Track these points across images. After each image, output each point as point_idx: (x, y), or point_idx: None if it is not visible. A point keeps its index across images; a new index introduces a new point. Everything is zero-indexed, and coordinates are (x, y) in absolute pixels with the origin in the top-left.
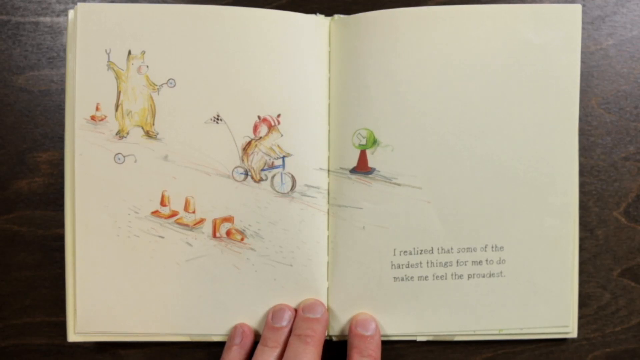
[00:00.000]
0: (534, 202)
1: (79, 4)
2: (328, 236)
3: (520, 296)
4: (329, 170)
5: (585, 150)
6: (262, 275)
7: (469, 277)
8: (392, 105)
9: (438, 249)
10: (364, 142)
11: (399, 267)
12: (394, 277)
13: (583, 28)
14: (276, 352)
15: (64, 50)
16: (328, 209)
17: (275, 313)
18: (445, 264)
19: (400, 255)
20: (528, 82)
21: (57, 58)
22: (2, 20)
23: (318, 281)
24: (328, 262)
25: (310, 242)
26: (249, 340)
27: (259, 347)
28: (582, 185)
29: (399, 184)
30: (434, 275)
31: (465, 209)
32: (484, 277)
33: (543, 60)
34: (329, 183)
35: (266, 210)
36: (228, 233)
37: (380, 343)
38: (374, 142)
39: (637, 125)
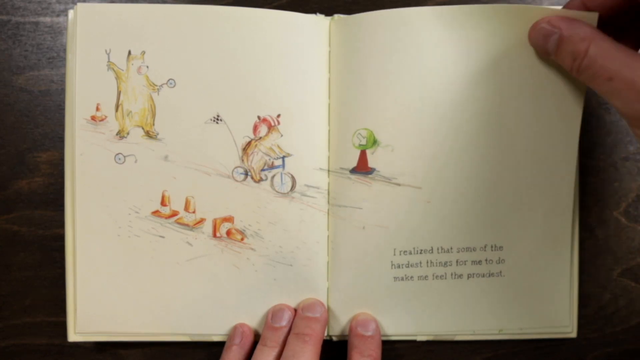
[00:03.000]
0: (534, 202)
1: (79, 4)
2: (328, 236)
3: (520, 296)
4: (329, 170)
5: (585, 150)
6: (262, 275)
7: (468, 277)
8: (392, 105)
9: (438, 249)
10: (364, 142)
11: (399, 267)
12: (394, 277)
13: None
14: (275, 351)
15: (64, 50)
16: (328, 209)
17: (274, 313)
18: (445, 264)
19: (400, 255)
20: (528, 82)
21: (57, 58)
22: (2, 20)
23: (318, 281)
24: (328, 262)
25: (310, 242)
26: (248, 340)
27: (259, 346)
28: (582, 185)
29: (399, 184)
30: (433, 275)
31: (465, 209)
32: (483, 276)
33: (543, 60)
34: (329, 183)
35: (266, 210)
36: (228, 233)
37: (380, 343)
38: (374, 142)
39: None
